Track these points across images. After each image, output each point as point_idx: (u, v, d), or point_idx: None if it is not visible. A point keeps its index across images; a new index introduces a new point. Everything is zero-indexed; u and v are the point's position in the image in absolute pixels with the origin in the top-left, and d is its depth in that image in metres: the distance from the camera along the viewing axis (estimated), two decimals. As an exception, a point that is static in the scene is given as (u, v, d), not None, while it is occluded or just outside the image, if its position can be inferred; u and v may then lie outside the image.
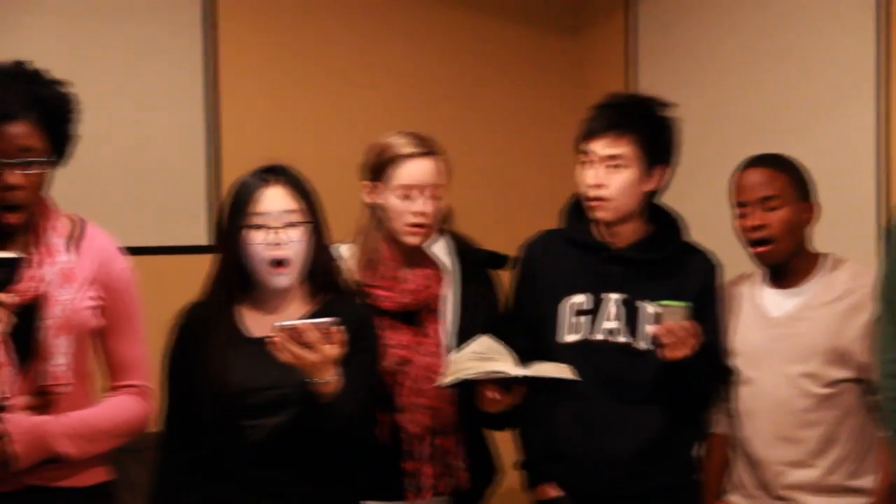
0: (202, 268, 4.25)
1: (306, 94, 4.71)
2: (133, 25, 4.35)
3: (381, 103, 4.84)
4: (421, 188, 3.24)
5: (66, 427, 2.89)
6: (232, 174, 4.36)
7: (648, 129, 3.31)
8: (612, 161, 3.29)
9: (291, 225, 2.99)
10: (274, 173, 3.04)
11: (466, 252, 3.37)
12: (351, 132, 4.70)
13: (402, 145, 3.26)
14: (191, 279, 4.22)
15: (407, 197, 3.24)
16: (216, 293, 3.04)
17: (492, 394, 3.09)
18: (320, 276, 3.06)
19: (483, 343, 3.09)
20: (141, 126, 4.35)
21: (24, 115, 2.84)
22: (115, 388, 3.05)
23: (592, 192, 3.30)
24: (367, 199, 3.29)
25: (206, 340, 2.99)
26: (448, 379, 3.07)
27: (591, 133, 3.30)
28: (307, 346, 2.79)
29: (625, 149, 3.28)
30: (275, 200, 3.00)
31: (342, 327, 2.82)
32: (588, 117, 3.34)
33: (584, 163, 3.32)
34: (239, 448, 2.93)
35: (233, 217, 3.01)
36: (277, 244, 2.97)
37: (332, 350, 2.81)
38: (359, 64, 4.81)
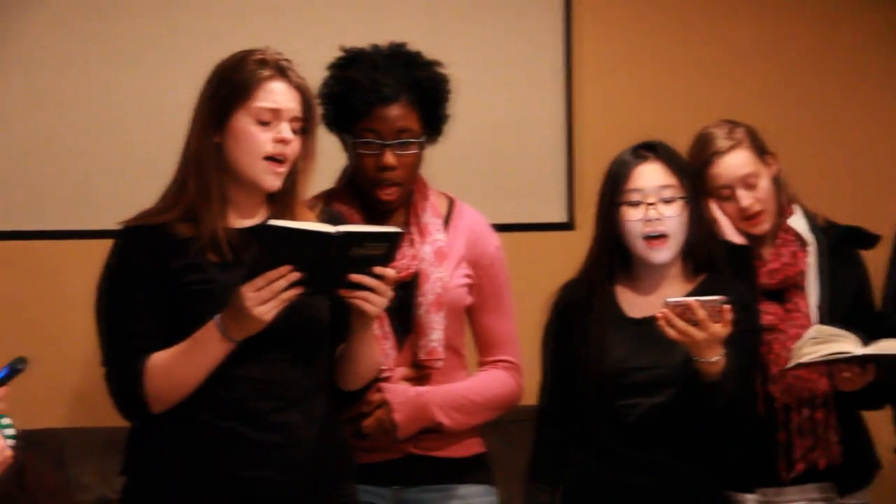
0: (560, 244, 4.33)
1: (661, 72, 4.65)
2: (495, 6, 4.40)
3: (739, 80, 4.73)
4: (736, 184, 3.17)
5: (443, 398, 2.97)
6: (587, 154, 4.43)
7: None
8: None
9: (668, 201, 2.97)
10: (650, 149, 3.03)
11: (826, 226, 3.26)
12: (707, 109, 4.61)
13: (706, 147, 3.20)
14: (549, 256, 4.29)
15: (729, 196, 3.18)
16: (593, 271, 3.04)
17: (847, 374, 3.00)
18: (698, 254, 3.02)
19: (820, 330, 2.99)
20: (502, 105, 4.40)
21: (401, 96, 2.92)
22: (485, 364, 3.10)
23: None
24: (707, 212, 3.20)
25: (583, 319, 3.00)
26: (791, 363, 2.99)
27: None
28: (695, 323, 2.77)
29: None
30: (651, 176, 2.98)
31: (731, 306, 2.78)
32: None
33: None
34: (614, 427, 2.94)
35: (609, 194, 3.01)
36: (654, 220, 2.95)
37: (721, 329, 2.78)
38: (715, 41, 4.71)
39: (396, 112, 2.91)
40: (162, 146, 3.19)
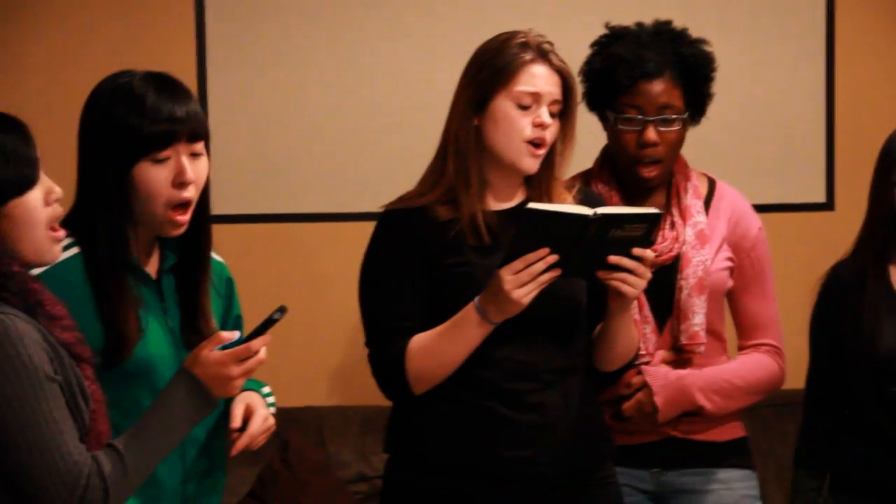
0: (819, 225, 4.22)
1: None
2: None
3: None
4: None
5: (705, 382, 2.93)
6: (847, 133, 4.30)
7: None
8: None
9: None
10: None
11: None
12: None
13: None
14: (808, 237, 4.19)
15: None
16: (865, 251, 2.94)
17: None
18: None
19: None
20: (761, 84, 4.31)
21: (665, 72, 2.88)
22: (746, 347, 3.05)
23: None
24: None
25: (854, 301, 2.91)
26: None
27: None
28: None
29: None
30: None
31: None
32: None
33: None
34: (889, 414, 2.85)
35: (884, 171, 2.89)
36: None
37: None
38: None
39: (660, 87, 2.88)
40: (419, 130, 3.25)
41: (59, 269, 2.24)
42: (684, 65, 2.91)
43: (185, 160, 2.29)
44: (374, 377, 2.69)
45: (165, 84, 2.32)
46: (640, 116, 2.88)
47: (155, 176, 2.28)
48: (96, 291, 2.29)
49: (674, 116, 2.89)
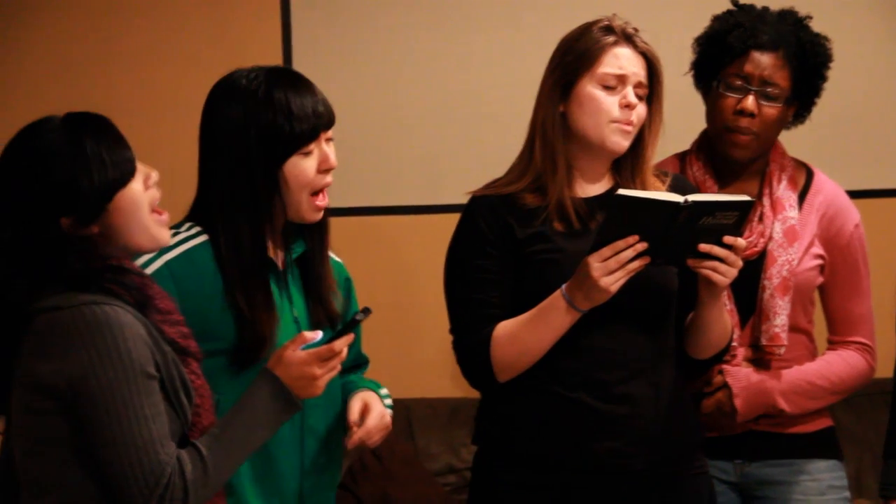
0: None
1: None
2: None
3: None
4: None
5: (788, 384, 2.87)
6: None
7: None
8: None
9: None
10: None
11: None
12: None
13: None
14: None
15: None
16: None
17: None
18: None
19: None
20: (866, 69, 4.25)
21: (779, 49, 2.84)
22: (836, 343, 2.98)
23: None
24: None
25: None
26: None
27: None
28: None
29: None
30: None
31: None
32: None
33: None
34: None
35: None
36: None
37: None
38: None
39: (770, 61, 2.84)
40: (507, 120, 3.22)
41: (191, 254, 2.34)
42: (800, 49, 2.86)
43: (326, 147, 2.40)
44: (458, 364, 2.68)
45: (295, 80, 2.41)
46: (743, 84, 2.83)
47: (304, 167, 2.38)
48: (233, 290, 2.35)
49: (777, 93, 2.84)
